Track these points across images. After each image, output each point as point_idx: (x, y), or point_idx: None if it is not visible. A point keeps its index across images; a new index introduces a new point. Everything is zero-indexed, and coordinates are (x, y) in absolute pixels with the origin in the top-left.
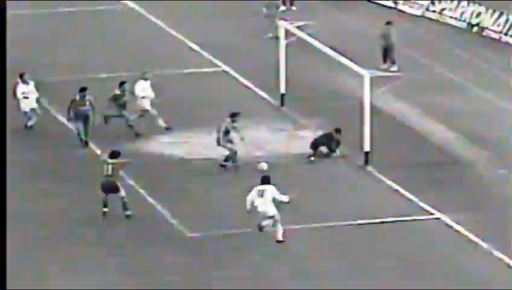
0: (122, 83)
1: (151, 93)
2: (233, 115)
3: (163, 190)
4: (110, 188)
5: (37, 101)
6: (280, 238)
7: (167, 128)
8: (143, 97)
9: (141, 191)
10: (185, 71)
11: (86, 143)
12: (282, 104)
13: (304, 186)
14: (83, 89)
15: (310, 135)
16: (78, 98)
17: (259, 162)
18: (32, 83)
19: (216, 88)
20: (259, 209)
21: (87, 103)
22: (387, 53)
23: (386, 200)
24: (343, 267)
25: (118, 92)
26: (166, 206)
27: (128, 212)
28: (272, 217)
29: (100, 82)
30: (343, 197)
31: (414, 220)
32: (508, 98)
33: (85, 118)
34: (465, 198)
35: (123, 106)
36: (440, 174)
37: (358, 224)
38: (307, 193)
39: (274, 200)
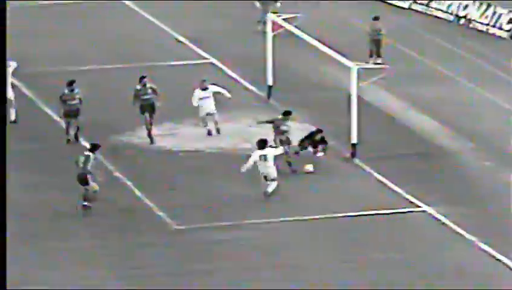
0: (142, 78)
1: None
2: (285, 114)
3: (151, 182)
4: (81, 180)
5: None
6: (269, 191)
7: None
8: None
9: (128, 183)
10: (172, 63)
11: (76, 139)
12: (269, 96)
13: (290, 179)
14: (71, 83)
15: (298, 127)
16: (66, 91)
17: (305, 165)
18: (13, 64)
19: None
20: (262, 171)
21: (77, 97)
22: (374, 48)
23: (373, 192)
24: (329, 260)
25: (138, 87)
26: (153, 199)
27: (85, 203)
28: (274, 179)
29: (86, 74)
30: (330, 189)
31: (400, 212)
32: (494, 90)
33: (75, 114)
34: (452, 190)
35: (147, 100)
36: (426, 166)
37: (345, 216)
38: (294, 185)
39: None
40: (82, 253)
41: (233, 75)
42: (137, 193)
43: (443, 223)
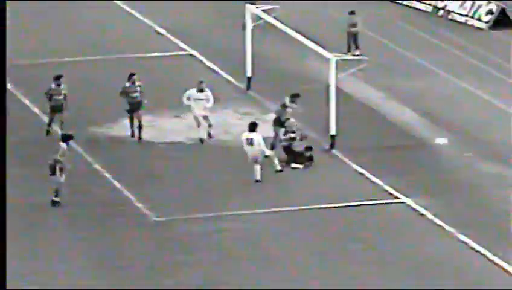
0: (131, 75)
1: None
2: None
3: (130, 174)
4: (50, 169)
5: None
6: (258, 177)
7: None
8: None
9: (107, 175)
10: (151, 55)
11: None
12: (248, 87)
13: (269, 170)
14: (57, 77)
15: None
16: (53, 86)
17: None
18: None
19: (182, 72)
20: (249, 154)
21: (63, 92)
22: (352, 42)
23: (352, 184)
24: (308, 252)
25: (127, 84)
26: (132, 190)
27: (54, 199)
28: (267, 156)
29: (65, 66)
30: (309, 180)
31: (380, 204)
32: (473, 81)
33: (60, 109)
34: (431, 182)
35: (135, 98)
36: (406, 157)
37: (324, 208)
38: (274, 176)
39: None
40: (59, 246)
41: (213, 66)
42: (117, 184)
43: (422, 215)
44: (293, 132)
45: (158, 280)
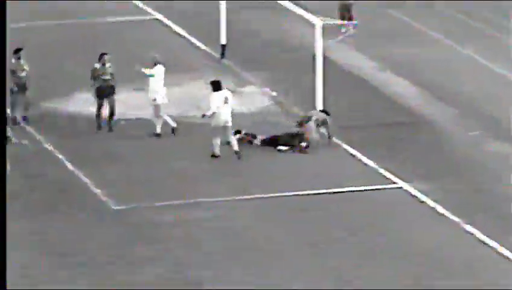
0: (102, 55)
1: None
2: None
3: (86, 156)
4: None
5: None
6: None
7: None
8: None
9: (60, 156)
10: (114, 19)
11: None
12: (223, 55)
13: (248, 152)
14: (17, 50)
15: (255, 92)
16: (13, 61)
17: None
18: None
19: (147, 39)
20: (223, 117)
21: (25, 68)
22: (346, 12)
23: (342, 166)
24: (290, 243)
25: (97, 65)
26: (89, 174)
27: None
28: (235, 132)
29: (15, 32)
30: (293, 162)
31: (373, 189)
32: (477, 48)
33: (23, 87)
34: (432, 164)
35: (107, 81)
36: (403, 136)
37: (309, 194)
38: (252, 159)
39: None
40: (8, 235)
41: (182, 32)
42: (70, 167)
43: (422, 202)
44: (239, 132)
45: (118, 275)
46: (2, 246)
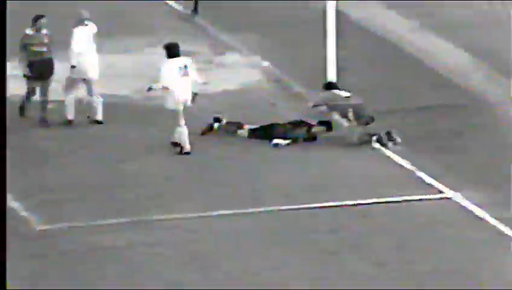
0: (38, 18)
1: None
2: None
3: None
4: None
5: None
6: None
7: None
8: None
9: None
10: None
11: None
12: (195, 11)
13: (228, 149)
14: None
15: (240, 60)
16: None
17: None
18: None
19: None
20: (182, 96)
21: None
22: None
23: (364, 167)
24: (290, 274)
25: (29, 31)
26: (8, 185)
27: None
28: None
29: None
30: (294, 163)
31: (412, 200)
32: None
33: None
34: (490, 166)
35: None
36: (450, 126)
37: (320, 207)
38: (236, 158)
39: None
40: None
41: None
42: None
43: (479, 218)
44: (218, 120)
45: None
46: (2, 245)
